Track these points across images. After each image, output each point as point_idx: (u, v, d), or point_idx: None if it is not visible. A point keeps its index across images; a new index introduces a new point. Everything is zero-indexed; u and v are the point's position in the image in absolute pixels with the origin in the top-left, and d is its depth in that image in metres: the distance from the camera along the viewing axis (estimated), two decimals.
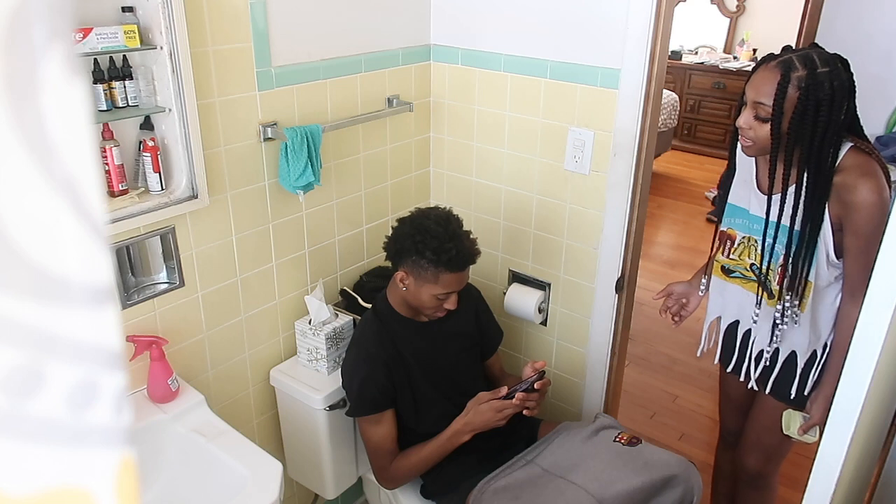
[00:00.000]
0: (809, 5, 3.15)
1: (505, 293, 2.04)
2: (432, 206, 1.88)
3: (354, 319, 1.79)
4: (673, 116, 5.47)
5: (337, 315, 1.77)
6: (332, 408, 1.70)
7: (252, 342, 1.74)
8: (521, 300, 2.00)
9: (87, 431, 0.23)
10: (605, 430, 1.63)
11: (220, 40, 1.43)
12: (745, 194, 1.52)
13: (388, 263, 1.62)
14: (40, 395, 0.22)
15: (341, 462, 1.81)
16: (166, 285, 1.49)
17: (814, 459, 0.85)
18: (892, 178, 1.57)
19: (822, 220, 1.38)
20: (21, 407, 0.22)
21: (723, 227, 1.60)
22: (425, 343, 1.63)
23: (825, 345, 1.52)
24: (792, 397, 1.57)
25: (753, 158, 1.48)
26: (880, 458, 1.31)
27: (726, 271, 1.60)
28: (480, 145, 2.00)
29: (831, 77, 1.27)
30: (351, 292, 1.90)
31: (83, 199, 0.22)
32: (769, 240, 1.45)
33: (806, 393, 1.56)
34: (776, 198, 1.43)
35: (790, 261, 1.44)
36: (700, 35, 6.03)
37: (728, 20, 5.91)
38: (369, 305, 1.80)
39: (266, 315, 1.75)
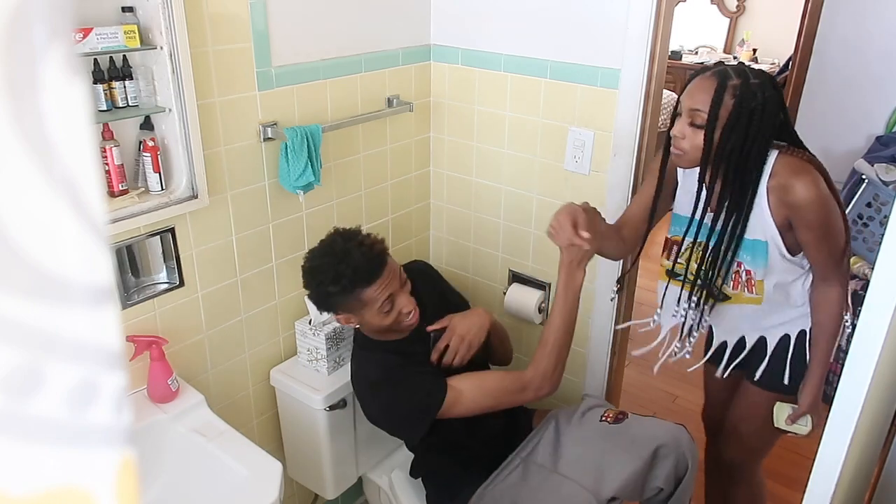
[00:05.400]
0: (809, 5, 3.15)
1: (505, 293, 2.04)
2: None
3: None
4: None
5: None
6: (332, 408, 1.70)
7: (252, 342, 1.74)
8: (521, 300, 2.00)
9: (87, 431, 0.23)
10: (591, 411, 1.62)
11: (220, 40, 1.43)
12: (690, 203, 1.50)
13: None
14: (40, 395, 0.22)
15: (341, 462, 1.81)
16: (166, 285, 1.49)
17: (814, 459, 0.85)
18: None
19: (743, 231, 1.41)
20: (21, 407, 0.22)
21: (668, 234, 1.61)
22: (421, 347, 1.60)
23: (801, 331, 1.53)
24: (757, 379, 1.58)
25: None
26: (880, 458, 1.31)
27: (671, 275, 1.60)
28: (480, 145, 1.99)
29: (763, 88, 1.32)
30: None
31: (83, 199, 0.22)
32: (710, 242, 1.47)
33: (785, 381, 1.55)
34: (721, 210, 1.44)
35: (709, 264, 1.47)
36: (700, 35, 6.02)
37: (728, 20, 5.91)
38: None
39: (266, 315, 1.75)
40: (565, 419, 1.63)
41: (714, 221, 1.43)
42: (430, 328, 1.58)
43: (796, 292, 1.50)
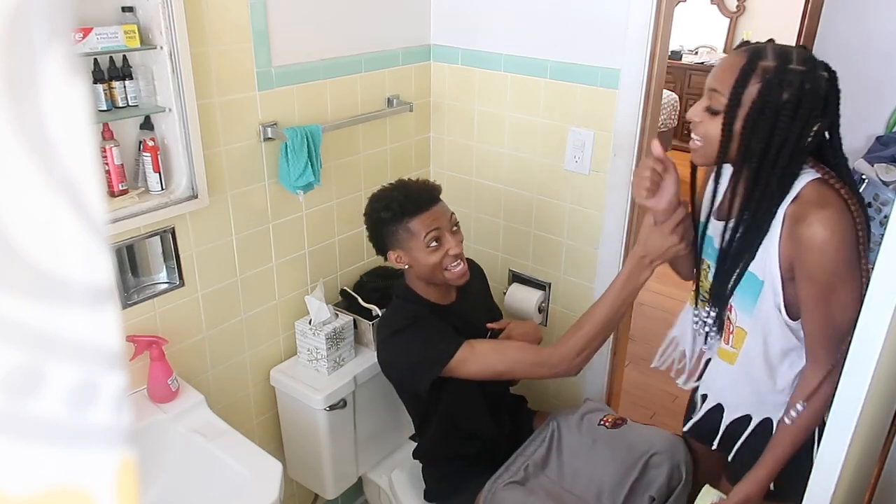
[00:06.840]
0: (809, 5, 3.15)
1: (505, 293, 2.04)
2: None
3: (355, 319, 1.79)
4: (673, 116, 5.47)
5: (337, 315, 1.77)
6: (332, 408, 1.70)
7: (252, 342, 1.74)
8: (521, 300, 2.00)
9: (87, 431, 0.23)
10: (589, 415, 1.62)
11: (220, 40, 1.43)
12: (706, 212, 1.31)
13: (388, 262, 1.58)
14: (40, 395, 0.22)
15: (341, 462, 1.81)
16: (166, 285, 1.49)
17: (814, 460, 0.85)
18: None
19: (753, 249, 1.16)
20: (21, 407, 0.22)
21: None
22: (459, 322, 1.58)
23: (765, 419, 1.28)
24: (714, 447, 1.37)
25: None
26: (880, 458, 1.31)
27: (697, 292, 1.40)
28: (480, 145, 2.00)
29: (804, 78, 1.03)
30: (351, 292, 1.90)
31: (83, 199, 0.22)
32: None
33: (730, 458, 1.35)
34: (731, 224, 1.19)
35: (717, 280, 1.23)
36: (700, 35, 6.03)
37: (728, 20, 5.92)
38: (370, 306, 1.79)
39: (266, 315, 1.75)
40: (565, 423, 1.64)
41: (724, 231, 1.20)
42: (490, 325, 1.65)
43: (783, 373, 1.23)
